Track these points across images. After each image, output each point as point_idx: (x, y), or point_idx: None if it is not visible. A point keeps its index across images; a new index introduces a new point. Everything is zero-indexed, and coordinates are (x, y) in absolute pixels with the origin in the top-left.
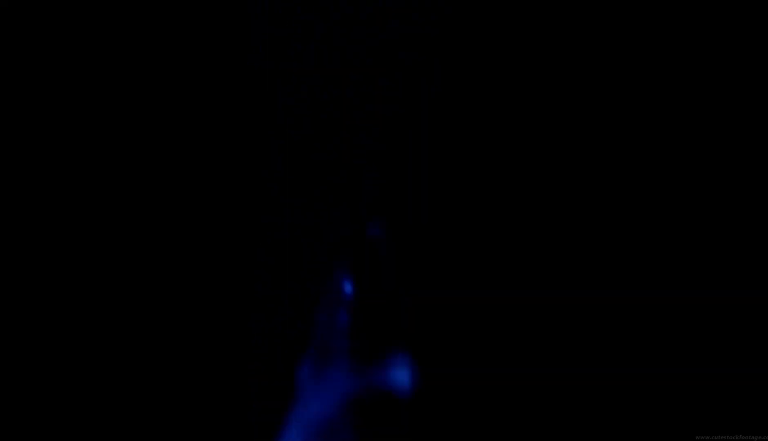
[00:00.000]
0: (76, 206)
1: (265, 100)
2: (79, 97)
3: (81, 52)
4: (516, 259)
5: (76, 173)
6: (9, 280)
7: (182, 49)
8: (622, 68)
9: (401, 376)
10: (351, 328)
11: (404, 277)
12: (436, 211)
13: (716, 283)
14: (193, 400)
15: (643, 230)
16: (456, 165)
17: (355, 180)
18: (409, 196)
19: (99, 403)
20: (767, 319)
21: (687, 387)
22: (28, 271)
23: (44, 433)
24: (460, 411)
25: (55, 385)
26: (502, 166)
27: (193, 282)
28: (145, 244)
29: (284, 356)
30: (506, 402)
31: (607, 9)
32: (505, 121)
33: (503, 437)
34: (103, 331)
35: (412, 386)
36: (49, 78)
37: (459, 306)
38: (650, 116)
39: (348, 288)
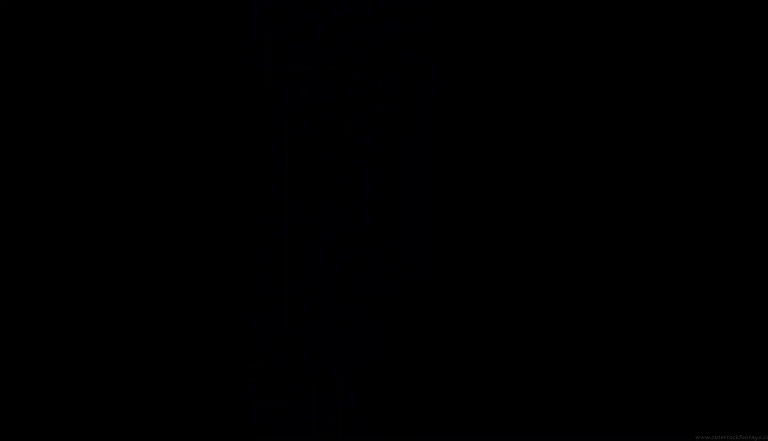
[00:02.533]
0: (77, 206)
1: (265, 100)
2: (79, 97)
3: (81, 52)
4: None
5: (76, 173)
6: (8, 280)
7: (182, 49)
8: (623, 69)
9: None
10: None
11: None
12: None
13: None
14: (194, 400)
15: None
16: (456, 165)
17: (355, 180)
18: (409, 196)
19: (100, 402)
20: None
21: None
22: (28, 271)
23: (45, 433)
24: None
25: (56, 385)
26: (501, 167)
27: (193, 282)
28: (146, 244)
29: (284, 356)
30: None
31: (606, 9)
32: (504, 121)
33: None
34: (104, 330)
35: None
36: (50, 78)
37: None
38: (650, 116)
39: None
